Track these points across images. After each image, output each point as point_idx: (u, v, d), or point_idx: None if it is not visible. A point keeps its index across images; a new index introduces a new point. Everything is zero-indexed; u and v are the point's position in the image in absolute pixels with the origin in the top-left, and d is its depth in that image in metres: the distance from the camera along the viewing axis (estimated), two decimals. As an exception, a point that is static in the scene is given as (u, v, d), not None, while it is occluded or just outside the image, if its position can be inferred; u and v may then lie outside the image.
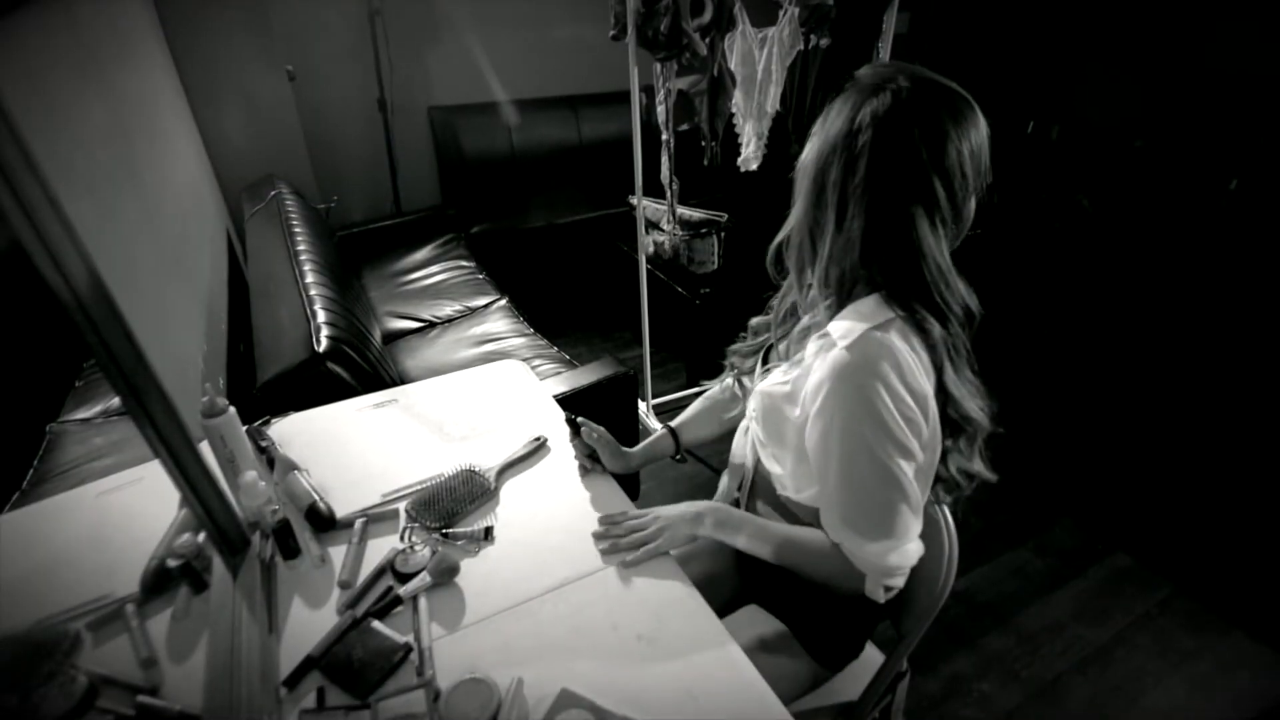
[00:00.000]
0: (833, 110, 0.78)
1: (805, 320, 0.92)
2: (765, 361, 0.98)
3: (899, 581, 0.85)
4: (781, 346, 0.95)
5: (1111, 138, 3.27)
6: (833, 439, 0.78)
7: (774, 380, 0.89)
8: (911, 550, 0.83)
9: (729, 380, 1.12)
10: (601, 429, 1.09)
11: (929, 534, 0.97)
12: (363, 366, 1.47)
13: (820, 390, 0.78)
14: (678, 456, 1.16)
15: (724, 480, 1.16)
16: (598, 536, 0.98)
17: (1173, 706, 1.57)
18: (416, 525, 1.00)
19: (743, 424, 1.06)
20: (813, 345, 0.83)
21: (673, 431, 1.15)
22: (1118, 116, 3.27)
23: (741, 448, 1.05)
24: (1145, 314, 2.99)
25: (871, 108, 0.73)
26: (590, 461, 1.10)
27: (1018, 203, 3.50)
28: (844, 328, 0.77)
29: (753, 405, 0.96)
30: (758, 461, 0.98)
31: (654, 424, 2.35)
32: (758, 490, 1.01)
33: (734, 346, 1.06)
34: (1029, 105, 3.53)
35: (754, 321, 1.04)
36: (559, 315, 3.04)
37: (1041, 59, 3.47)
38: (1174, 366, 2.74)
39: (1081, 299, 3.17)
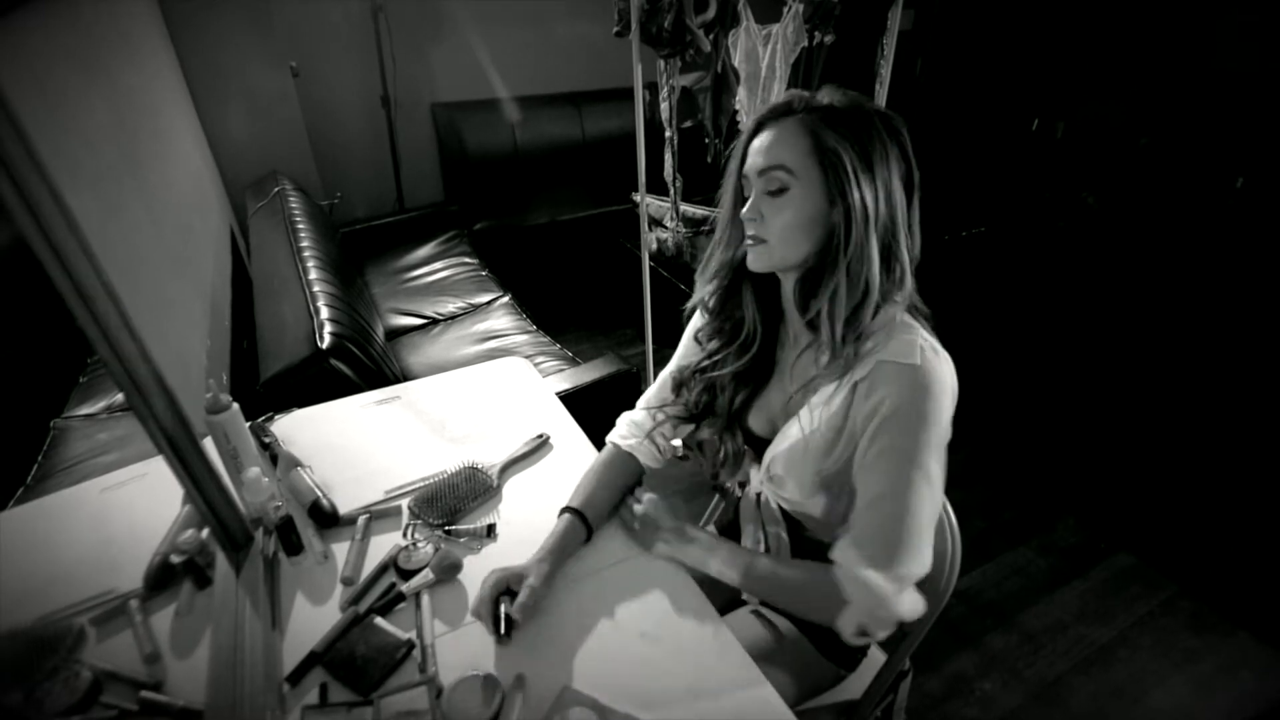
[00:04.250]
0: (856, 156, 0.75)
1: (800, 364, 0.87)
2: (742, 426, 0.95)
3: (878, 629, 0.78)
4: (762, 414, 0.93)
5: (1117, 135, 3.26)
6: (892, 456, 0.76)
7: (798, 433, 0.84)
8: (909, 601, 0.78)
9: (631, 443, 1.03)
10: (495, 595, 0.84)
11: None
12: (365, 363, 1.47)
13: (882, 406, 0.76)
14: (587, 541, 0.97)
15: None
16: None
17: (1175, 707, 1.57)
18: (419, 522, 1.00)
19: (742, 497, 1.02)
20: (862, 368, 0.79)
21: (578, 514, 0.96)
22: (1123, 114, 3.26)
23: (748, 527, 1.02)
24: (1150, 312, 2.98)
25: (894, 141, 0.77)
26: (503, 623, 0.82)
27: (1022, 200, 3.49)
28: (899, 346, 0.76)
29: (761, 475, 0.93)
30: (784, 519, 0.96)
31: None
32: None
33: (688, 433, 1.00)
34: (1033, 102, 3.52)
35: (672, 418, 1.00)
36: (562, 312, 3.04)
37: (1046, 56, 3.46)
38: (1179, 365, 2.73)
39: (1086, 297, 3.16)
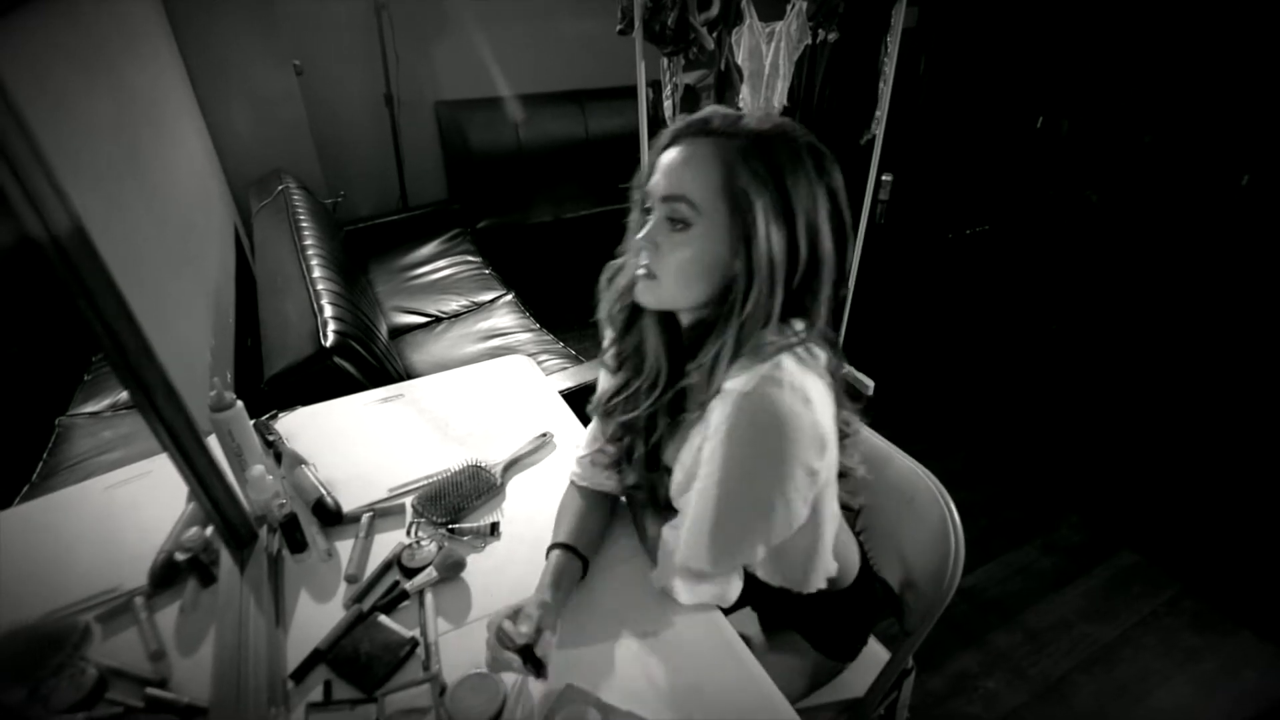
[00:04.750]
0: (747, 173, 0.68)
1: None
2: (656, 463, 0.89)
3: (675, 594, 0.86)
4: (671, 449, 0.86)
5: (1121, 133, 3.24)
6: (705, 470, 0.74)
7: (682, 470, 0.81)
8: (686, 592, 0.85)
9: (589, 482, 0.97)
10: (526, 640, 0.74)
11: (934, 530, 0.96)
12: (369, 361, 1.47)
13: (710, 429, 0.72)
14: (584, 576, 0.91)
15: None
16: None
17: (1178, 706, 1.57)
18: (423, 520, 1.00)
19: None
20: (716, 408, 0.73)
21: (571, 549, 0.88)
22: (1127, 111, 3.24)
23: None
24: (1154, 310, 2.97)
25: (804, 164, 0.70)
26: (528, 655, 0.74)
27: (1026, 198, 3.48)
28: (745, 376, 0.69)
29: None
30: None
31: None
32: None
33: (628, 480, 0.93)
34: (1038, 100, 3.51)
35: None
36: (565, 310, 3.02)
37: (1050, 53, 3.44)
38: (1183, 363, 2.72)
39: (1089, 295, 3.15)
